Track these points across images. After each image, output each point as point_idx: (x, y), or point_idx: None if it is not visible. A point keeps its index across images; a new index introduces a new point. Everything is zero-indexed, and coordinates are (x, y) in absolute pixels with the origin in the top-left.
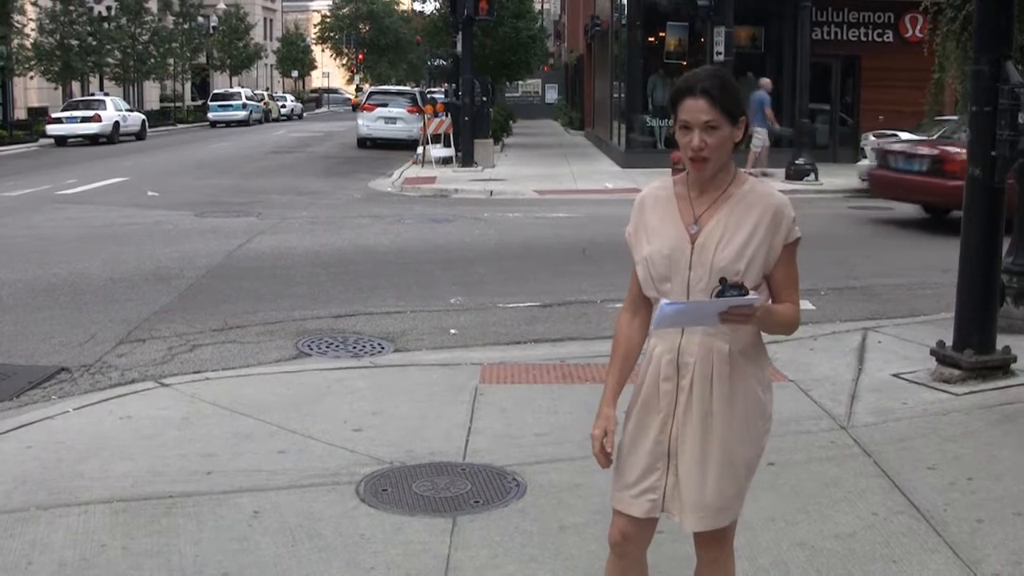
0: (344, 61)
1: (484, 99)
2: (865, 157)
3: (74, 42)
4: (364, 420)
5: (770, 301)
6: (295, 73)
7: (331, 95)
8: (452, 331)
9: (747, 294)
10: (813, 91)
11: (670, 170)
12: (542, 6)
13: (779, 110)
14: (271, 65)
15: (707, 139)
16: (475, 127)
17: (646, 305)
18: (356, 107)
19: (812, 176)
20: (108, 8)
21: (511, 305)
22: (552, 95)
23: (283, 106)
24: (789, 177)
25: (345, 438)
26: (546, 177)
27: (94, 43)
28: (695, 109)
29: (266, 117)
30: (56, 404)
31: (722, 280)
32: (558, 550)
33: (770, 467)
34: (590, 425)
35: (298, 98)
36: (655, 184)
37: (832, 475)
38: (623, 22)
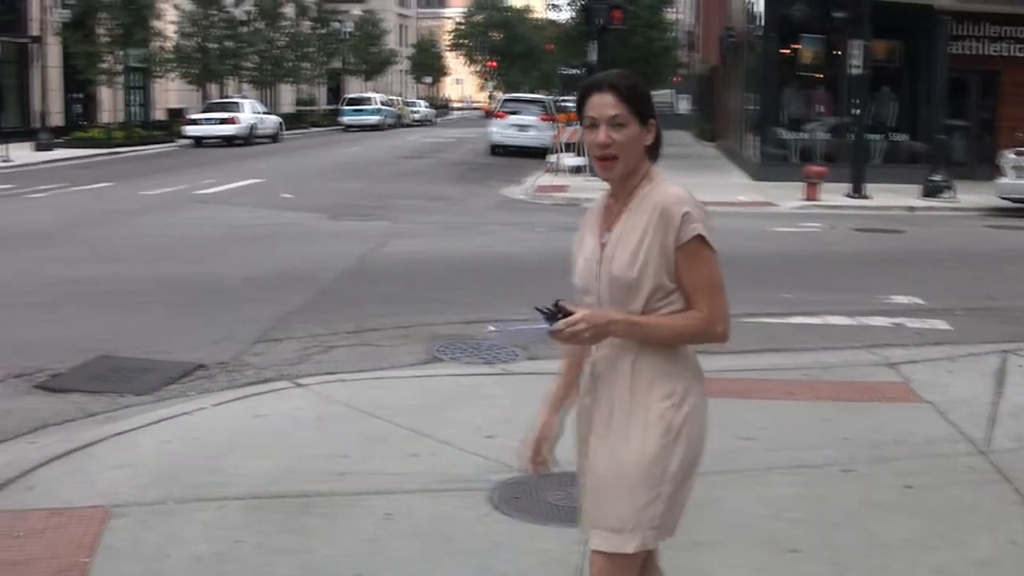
0: (476, 68)
1: None
2: (1003, 175)
3: (213, 45)
4: (496, 427)
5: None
6: (428, 79)
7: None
8: None
9: (566, 315)
10: (950, 106)
11: (803, 184)
12: (675, 16)
13: (915, 126)
14: (404, 71)
15: (614, 135)
16: None
17: None
18: (488, 114)
19: (949, 193)
20: (246, 12)
21: None
22: (684, 106)
23: (415, 111)
24: (925, 194)
25: (477, 444)
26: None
27: (232, 47)
28: (601, 104)
29: (399, 122)
30: (194, 400)
31: (556, 302)
32: (691, 566)
33: (907, 490)
34: (724, 440)
35: (431, 104)
36: (601, 195)
37: (970, 500)
38: (758, 34)
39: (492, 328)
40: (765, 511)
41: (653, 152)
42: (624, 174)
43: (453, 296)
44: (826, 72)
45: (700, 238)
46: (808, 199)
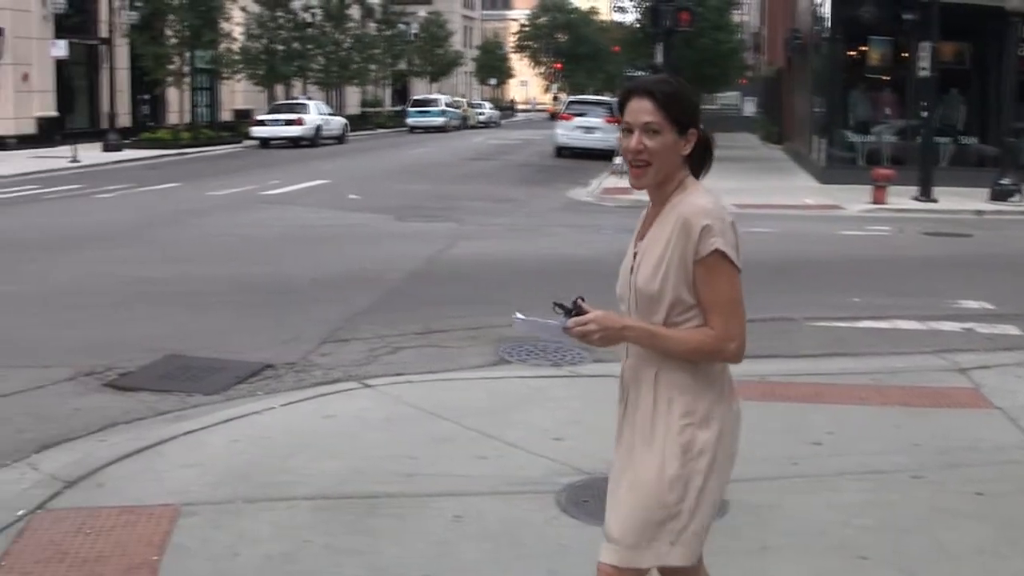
0: (541, 70)
1: None
2: None
3: (279, 47)
4: (564, 429)
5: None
6: (493, 81)
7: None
8: None
9: (580, 314)
10: (1020, 109)
11: (870, 187)
12: (741, 18)
13: (984, 129)
14: (469, 73)
15: (647, 142)
16: None
17: None
18: (553, 116)
19: (1017, 197)
20: (312, 14)
21: None
22: (750, 108)
23: (480, 113)
24: (994, 198)
25: (545, 447)
26: (744, 191)
27: (299, 48)
28: (637, 109)
29: (464, 124)
30: (262, 400)
31: (575, 300)
32: (761, 570)
33: (977, 497)
34: (792, 445)
35: (495, 106)
36: None
37: None
38: (824, 35)
39: (518, 315)
40: (834, 517)
41: (697, 163)
42: (655, 183)
43: (522, 297)
44: (893, 74)
45: (719, 253)
46: (875, 202)
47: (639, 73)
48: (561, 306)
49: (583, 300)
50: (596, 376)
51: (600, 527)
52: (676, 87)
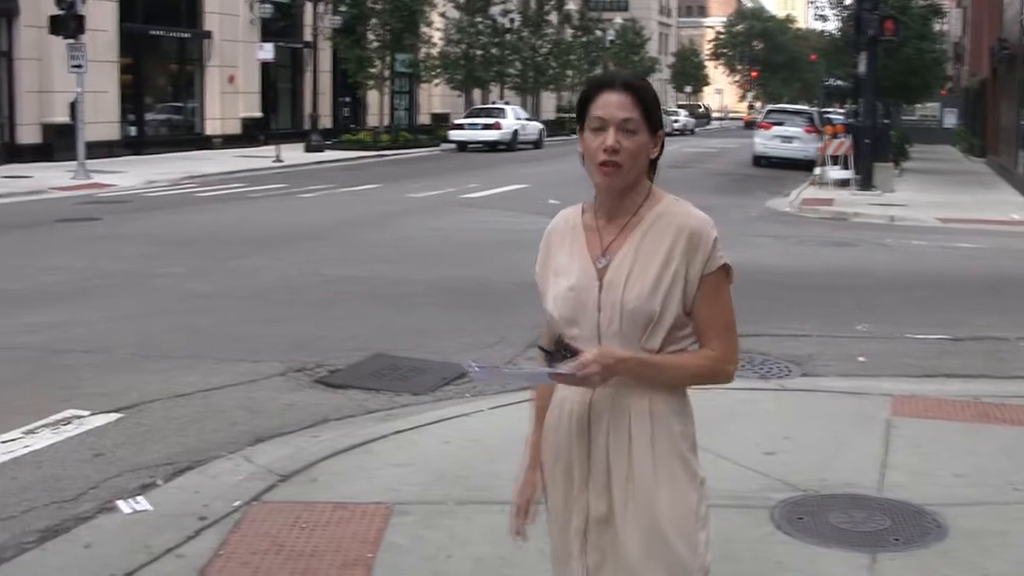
0: (737, 78)
1: (886, 121)
2: None
3: (478, 52)
4: (775, 444)
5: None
6: (688, 88)
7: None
8: (860, 358)
9: (574, 355)
10: None
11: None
12: (941, 27)
13: None
14: (664, 80)
15: (623, 141)
16: (875, 150)
17: None
18: (748, 124)
19: None
20: (511, 20)
21: (919, 336)
22: (950, 119)
23: (676, 121)
24: None
25: (757, 461)
26: (947, 204)
27: (497, 54)
28: (613, 104)
29: None
30: (470, 402)
31: (558, 339)
32: None
33: None
34: (1011, 469)
35: (690, 113)
36: (563, 212)
37: None
38: None
39: (473, 364)
40: None
41: (652, 169)
42: (624, 186)
43: None
44: None
45: (726, 268)
46: None
47: (839, 82)
48: (545, 349)
49: (567, 338)
50: (804, 390)
51: (815, 546)
52: (648, 84)
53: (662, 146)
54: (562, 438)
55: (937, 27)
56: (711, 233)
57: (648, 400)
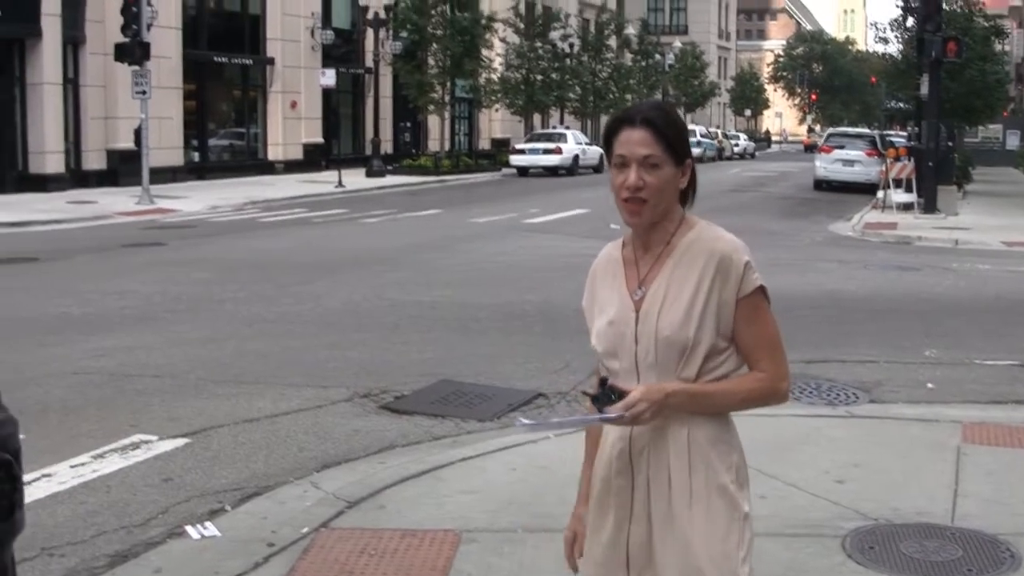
0: (796, 101)
1: (949, 144)
2: None
3: (538, 77)
4: (845, 472)
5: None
6: (747, 112)
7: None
8: (928, 385)
9: (621, 397)
10: None
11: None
12: (1002, 48)
13: None
14: (724, 103)
15: (646, 177)
16: (938, 173)
17: None
18: (808, 148)
19: None
20: (571, 45)
21: (989, 362)
22: (1013, 141)
23: (736, 144)
24: None
25: (827, 489)
26: (1013, 228)
27: (557, 79)
28: (633, 141)
29: (719, 155)
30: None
31: (602, 381)
32: None
33: None
34: None
35: (750, 137)
36: (606, 248)
37: None
38: None
39: (522, 420)
40: None
41: (687, 196)
42: (653, 220)
43: (791, 333)
44: None
45: (762, 289)
46: None
47: (900, 105)
48: (590, 394)
49: (611, 380)
50: (873, 417)
51: (887, 575)
52: (672, 114)
53: (693, 175)
54: (608, 474)
55: (999, 48)
56: (742, 256)
57: (687, 430)
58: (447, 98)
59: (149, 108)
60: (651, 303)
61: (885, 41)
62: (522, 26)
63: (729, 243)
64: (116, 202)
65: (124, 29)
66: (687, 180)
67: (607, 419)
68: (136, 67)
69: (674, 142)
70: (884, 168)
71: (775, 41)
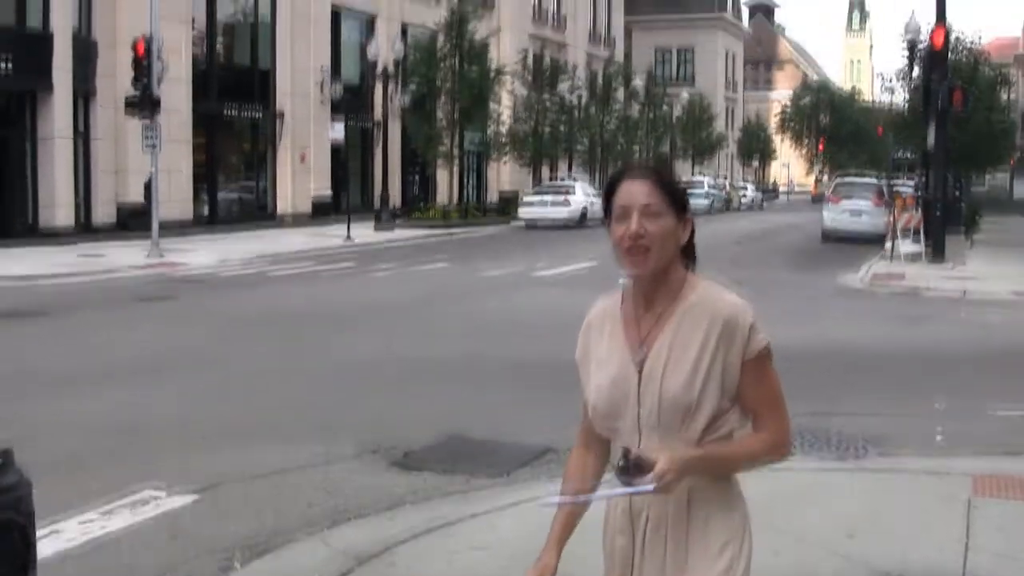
0: (803, 151)
1: (956, 193)
2: None
3: (546, 129)
4: (855, 525)
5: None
6: (755, 162)
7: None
8: (938, 436)
9: (648, 469)
10: None
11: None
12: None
13: None
14: (731, 154)
15: (648, 225)
16: (946, 222)
17: (600, 439)
18: (815, 198)
19: None
20: (579, 97)
21: (999, 412)
22: (1021, 189)
23: (744, 195)
24: None
25: (837, 542)
26: (1021, 277)
27: (565, 130)
28: (634, 191)
29: (727, 206)
30: (546, 484)
31: (625, 452)
32: None
33: None
34: None
35: (758, 187)
36: (601, 301)
37: None
38: None
39: (546, 499)
40: None
41: (689, 255)
42: (656, 271)
43: (801, 385)
44: None
45: (768, 350)
46: None
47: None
48: (618, 466)
49: (632, 449)
50: (883, 470)
51: None
52: (670, 171)
53: (692, 230)
54: (612, 533)
55: (1005, 96)
56: (747, 319)
57: (687, 489)
58: (455, 150)
59: (159, 161)
60: (654, 364)
61: (892, 91)
62: (530, 78)
63: (733, 305)
64: (126, 255)
65: (135, 82)
66: (687, 235)
67: (640, 491)
68: (146, 120)
69: (674, 194)
70: (891, 218)
71: (782, 91)
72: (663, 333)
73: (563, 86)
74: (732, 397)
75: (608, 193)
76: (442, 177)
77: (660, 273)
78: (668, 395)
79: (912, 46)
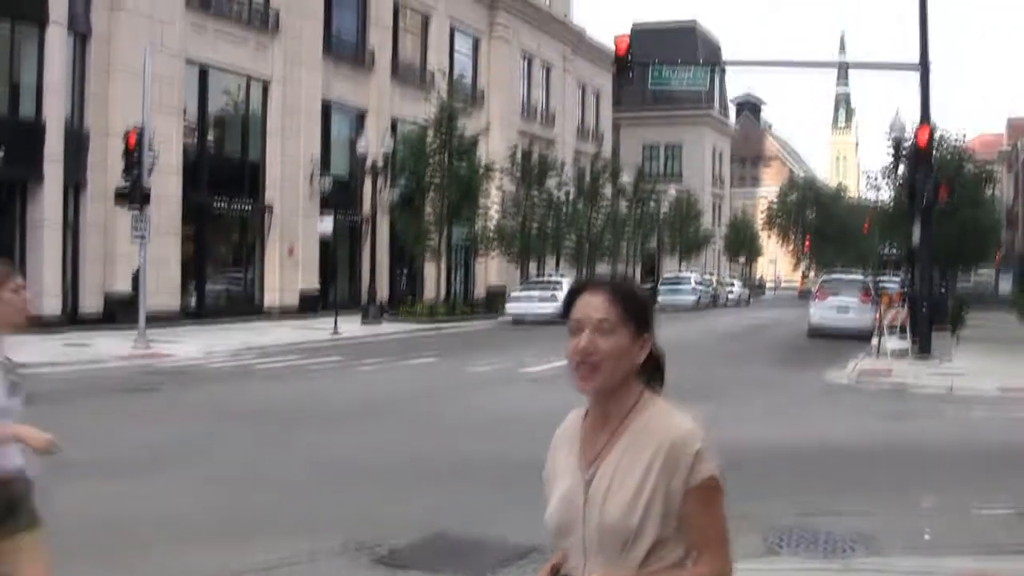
0: (790, 247)
1: (942, 290)
2: None
3: (534, 225)
4: None
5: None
6: (742, 259)
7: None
8: (926, 535)
9: None
10: None
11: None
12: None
13: None
14: (718, 249)
15: (599, 341)
16: (932, 318)
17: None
18: (802, 295)
19: None
20: (566, 193)
21: (985, 511)
22: (1006, 286)
23: (731, 291)
24: None
25: None
26: (1008, 374)
27: (552, 226)
28: (588, 305)
29: (713, 302)
30: None
31: (554, 569)
32: None
33: None
34: None
35: (745, 283)
36: (571, 415)
37: None
38: None
39: None
40: None
41: (654, 376)
42: (605, 389)
43: (788, 483)
44: None
45: (715, 480)
46: None
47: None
48: None
49: (564, 567)
50: (870, 571)
51: None
52: (634, 288)
53: (652, 351)
54: None
55: (989, 193)
56: (694, 445)
57: None
58: (444, 245)
59: (148, 252)
60: (598, 487)
61: (877, 189)
62: (518, 174)
63: (681, 430)
64: (112, 345)
65: (125, 173)
66: (644, 354)
67: None
68: (136, 211)
69: (632, 311)
70: (878, 314)
71: (769, 187)
72: (612, 454)
73: (551, 182)
74: (677, 526)
75: (567, 305)
76: (430, 272)
77: (611, 391)
78: (608, 520)
79: (897, 144)
